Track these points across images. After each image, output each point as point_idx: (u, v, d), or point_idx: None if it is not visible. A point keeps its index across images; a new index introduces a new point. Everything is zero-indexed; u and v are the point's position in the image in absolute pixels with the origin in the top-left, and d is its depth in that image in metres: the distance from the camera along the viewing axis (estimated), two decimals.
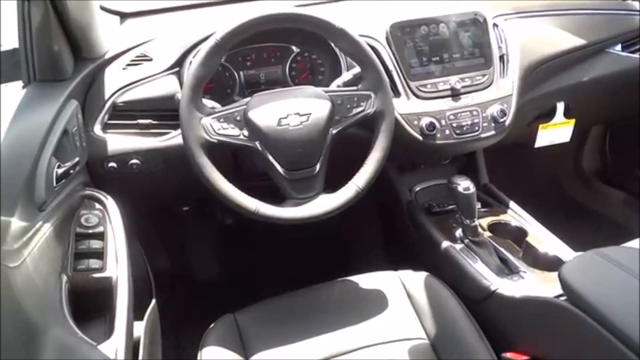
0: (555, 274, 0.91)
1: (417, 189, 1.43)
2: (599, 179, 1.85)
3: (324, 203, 1.03)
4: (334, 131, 1.04)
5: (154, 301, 1.19)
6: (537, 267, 1.11)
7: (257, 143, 1.01)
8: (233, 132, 1.01)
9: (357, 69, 1.12)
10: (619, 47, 1.44)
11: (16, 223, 0.76)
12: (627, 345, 0.73)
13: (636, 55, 1.44)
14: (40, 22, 0.96)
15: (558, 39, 1.37)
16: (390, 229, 1.62)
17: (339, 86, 1.14)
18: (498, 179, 1.46)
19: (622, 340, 0.73)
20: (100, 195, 1.04)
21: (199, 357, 1.00)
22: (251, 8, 1.12)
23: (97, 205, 1.03)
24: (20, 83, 1.05)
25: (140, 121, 1.13)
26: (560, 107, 1.42)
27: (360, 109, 1.05)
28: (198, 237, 1.80)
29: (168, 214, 1.65)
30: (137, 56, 1.18)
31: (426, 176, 1.44)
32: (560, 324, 0.88)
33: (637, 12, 1.48)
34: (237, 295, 1.25)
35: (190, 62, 1.12)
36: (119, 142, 1.12)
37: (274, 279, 1.37)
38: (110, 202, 1.03)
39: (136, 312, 0.96)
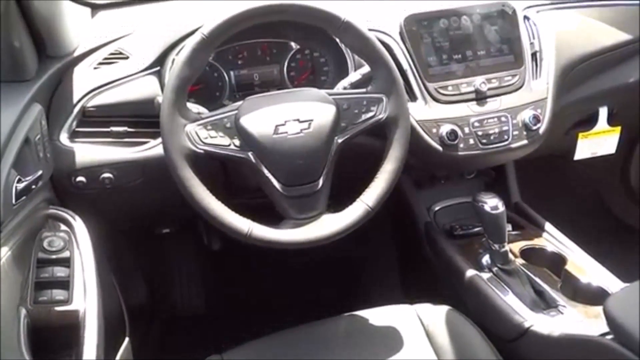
0: (600, 308, 0.91)
1: (437, 208, 1.44)
2: None
3: (328, 224, 1.04)
4: (340, 140, 1.05)
5: (127, 339, 1.19)
6: (578, 300, 1.12)
7: (250, 154, 1.02)
8: (222, 142, 1.01)
9: (366, 69, 1.13)
10: None
11: None
12: None
13: None
14: None
15: (600, 33, 1.39)
16: (405, 255, 1.64)
17: (345, 88, 1.16)
18: (531, 196, 1.47)
19: None
20: (67, 214, 1.05)
21: None
22: None
23: (63, 227, 1.03)
24: None
25: (114, 129, 1.15)
26: (603, 112, 1.44)
27: (370, 114, 1.06)
28: (180, 265, 1.81)
29: (145, 238, 1.66)
30: (111, 53, 1.19)
31: (447, 193, 1.46)
32: None
33: None
34: (226, 332, 1.24)
35: (173, 61, 1.14)
36: (88, 152, 1.13)
37: (269, 313, 1.37)
38: (78, 223, 1.03)
39: (107, 351, 0.96)
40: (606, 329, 0.89)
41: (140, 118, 1.15)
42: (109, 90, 1.15)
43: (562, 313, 1.08)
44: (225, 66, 1.27)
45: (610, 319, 0.86)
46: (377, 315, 1.15)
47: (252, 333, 1.12)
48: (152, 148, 1.14)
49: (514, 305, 1.10)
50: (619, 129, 1.47)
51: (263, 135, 1.01)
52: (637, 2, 1.46)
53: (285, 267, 1.57)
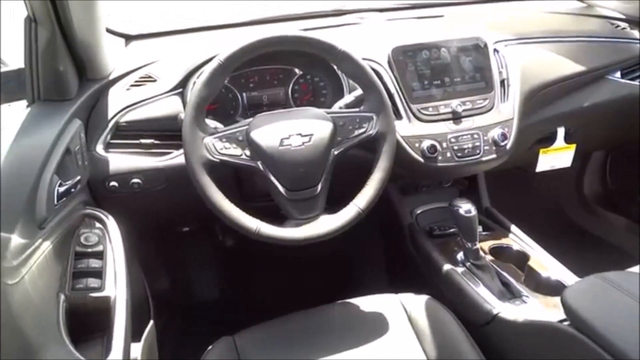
0: (558, 298, 0.91)
1: (419, 211, 1.43)
2: (601, 205, 1.85)
3: (325, 223, 1.03)
4: (336, 152, 1.04)
5: (151, 322, 1.17)
6: (539, 291, 1.11)
7: (259, 163, 1.01)
8: (235, 152, 1.01)
9: (359, 91, 1.13)
10: (618, 74, 1.45)
11: (16, 240, 0.76)
12: None
13: (635, 82, 1.45)
14: (46, 43, 0.98)
15: (558, 65, 1.38)
16: (391, 251, 1.62)
17: (341, 108, 1.15)
18: (499, 203, 1.46)
19: None
20: (101, 214, 1.03)
21: None
22: (255, 31, 1.14)
23: (98, 224, 1.02)
24: (24, 102, 1.06)
25: (143, 141, 1.14)
26: (561, 132, 1.43)
27: (362, 130, 1.05)
28: (198, 259, 1.79)
29: (168, 235, 1.65)
30: (141, 77, 1.19)
31: (427, 199, 1.45)
32: (563, 349, 0.87)
33: (636, 40, 1.50)
34: (236, 317, 1.23)
35: (194, 83, 1.13)
36: (120, 161, 1.12)
37: (274, 301, 1.35)
38: (110, 222, 1.02)
39: (134, 333, 0.95)
40: (563, 316, 0.89)
41: (165, 132, 1.14)
42: (139, 108, 1.14)
43: (525, 302, 1.08)
44: (238, 88, 1.26)
45: (567, 307, 0.85)
46: (367, 303, 1.14)
47: (259, 317, 1.11)
48: (175, 158, 1.14)
49: (484, 295, 1.10)
50: (574, 146, 1.46)
51: (270, 147, 1.01)
52: (589, 38, 1.48)
53: (287, 262, 1.56)
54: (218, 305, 1.75)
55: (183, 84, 1.17)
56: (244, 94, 1.27)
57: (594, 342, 0.79)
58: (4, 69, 1.11)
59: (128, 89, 1.17)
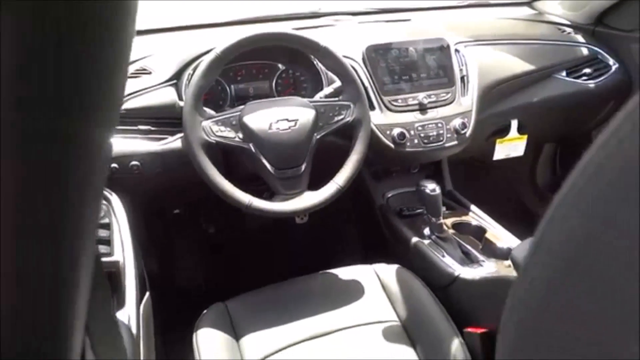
0: (509, 261, 1.05)
1: (389, 194, 1.55)
2: (551, 192, 1.98)
3: (309, 198, 1.15)
4: (318, 136, 1.16)
5: (147, 294, 1.26)
6: (494, 257, 1.24)
7: (251, 145, 1.13)
8: (229, 135, 1.12)
9: (337, 84, 1.25)
10: (564, 73, 1.61)
11: None
12: None
13: (579, 81, 1.62)
14: None
15: (511, 64, 1.53)
16: (365, 230, 1.74)
17: (321, 98, 1.27)
18: (461, 189, 1.59)
19: None
20: (105, 191, 1.12)
21: (194, 338, 1.09)
22: (236, 31, 1.23)
23: (102, 201, 1.12)
24: None
25: (141, 127, 1.22)
26: (514, 124, 1.57)
27: (341, 117, 1.18)
28: (183, 242, 1.86)
29: (158, 219, 1.73)
30: (137, 70, 1.27)
31: (397, 183, 1.57)
32: None
33: (579, 43, 1.68)
34: (221, 292, 1.32)
35: (189, 75, 1.23)
36: (120, 145, 1.20)
37: (259, 277, 1.45)
38: (114, 198, 1.11)
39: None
40: (514, 274, 1.01)
41: (161, 119, 1.23)
42: (137, 97, 1.22)
43: (482, 266, 1.20)
44: (227, 81, 1.36)
45: (514, 262, 0.97)
46: (345, 273, 1.25)
47: (242, 290, 1.21)
48: (170, 143, 1.22)
49: (447, 261, 1.22)
50: (525, 136, 1.60)
51: (260, 130, 1.12)
52: (538, 41, 1.64)
53: (270, 243, 1.65)
54: (202, 284, 1.82)
55: (177, 76, 1.26)
56: (232, 86, 1.37)
57: None
58: None
59: None
